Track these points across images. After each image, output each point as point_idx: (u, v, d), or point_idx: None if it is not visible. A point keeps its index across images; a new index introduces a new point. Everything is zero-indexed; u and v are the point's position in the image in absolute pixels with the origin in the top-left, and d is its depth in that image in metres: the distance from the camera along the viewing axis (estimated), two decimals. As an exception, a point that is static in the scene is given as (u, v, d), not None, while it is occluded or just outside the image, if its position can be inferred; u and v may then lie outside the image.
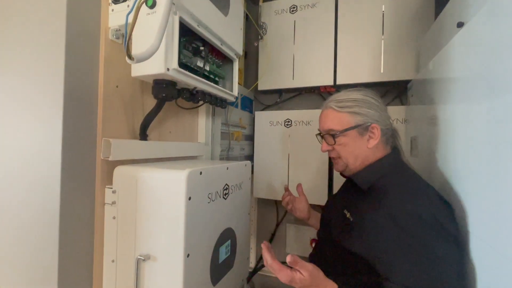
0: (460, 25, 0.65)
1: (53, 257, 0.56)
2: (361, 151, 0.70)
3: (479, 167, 0.51)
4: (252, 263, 1.48)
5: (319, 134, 0.78)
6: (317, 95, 1.37)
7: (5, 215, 0.62)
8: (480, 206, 0.51)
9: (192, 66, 0.73)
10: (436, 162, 0.75)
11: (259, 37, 1.36)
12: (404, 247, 0.55)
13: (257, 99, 1.50)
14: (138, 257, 0.59)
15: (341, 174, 0.79)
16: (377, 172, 0.68)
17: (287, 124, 1.32)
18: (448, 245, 0.54)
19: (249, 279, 1.45)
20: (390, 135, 0.73)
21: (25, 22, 0.61)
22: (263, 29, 1.36)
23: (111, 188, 0.64)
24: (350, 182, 0.76)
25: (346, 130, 0.69)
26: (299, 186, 0.95)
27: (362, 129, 0.69)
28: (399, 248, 0.55)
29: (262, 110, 1.47)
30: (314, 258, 0.79)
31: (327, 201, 0.91)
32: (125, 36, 0.46)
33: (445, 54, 0.71)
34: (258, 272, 1.45)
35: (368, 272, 0.59)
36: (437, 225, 0.54)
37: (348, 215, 0.68)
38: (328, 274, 0.59)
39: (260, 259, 1.47)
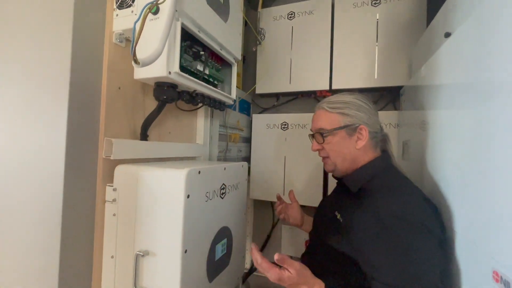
0: (447, 35, 0.69)
1: (55, 252, 0.58)
2: (349, 152, 0.72)
3: (465, 170, 0.55)
4: (248, 264, 1.49)
5: (311, 134, 0.81)
6: (313, 99, 1.40)
7: (9, 210, 0.64)
8: (465, 207, 0.54)
9: (192, 70, 0.76)
10: (426, 166, 0.78)
11: (258, 43, 1.40)
12: (389, 247, 0.57)
13: (255, 102, 1.53)
14: (137, 253, 0.61)
15: (333, 176, 0.82)
16: (367, 174, 0.70)
17: (284, 127, 1.35)
18: (432, 246, 0.56)
19: (244, 279, 1.47)
20: (380, 139, 0.76)
21: (34, 26, 0.63)
22: (262, 35, 1.40)
23: (112, 186, 0.66)
24: (342, 184, 0.79)
25: (335, 129, 0.73)
26: (291, 192, 0.97)
27: (351, 129, 0.72)
28: (384, 248, 0.57)
29: (260, 113, 1.50)
30: (305, 258, 0.81)
31: (320, 203, 0.94)
32: (132, 43, 0.49)
33: (433, 62, 0.74)
34: (254, 273, 1.47)
35: (356, 273, 0.61)
36: (422, 226, 0.56)
37: (338, 216, 0.70)
38: (318, 274, 0.61)
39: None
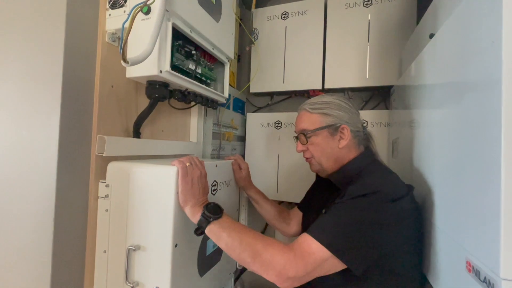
0: (431, 36, 0.71)
1: (48, 248, 0.59)
2: (333, 151, 0.74)
3: (444, 166, 0.57)
4: (242, 261, 1.51)
5: (295, 136, 0.83)
6: (306, 98, 1.41)
7: (2, 207, 0.65)
8: (444, 201, 0.57)
9: (184, 69, 0.78)
10: (414, 164, 0.80)
11: (251, 42, 1.41)
12: (345, 210, 0.58)
13: (249, 101, 1.55)
14: (129, 247, 0.63)
15: (319, 175, 0.84)
16: (352, 170, 0.72)
17: (277, 126, 1.37)
18: (389, 216, 0.57)
19: (238, 277, 1.48)
20: (363, 138, 0.78)
21: (26, 25, 0.65)
22: (255, 35, 1.41)
23: (105, 182, 0.68)
24: (325, 182, 0.81)
25: (317, 129, 0.75)
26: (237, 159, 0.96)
27: (333, 129, 0.74)
28: (339, 210, 0.59)
29: (254, 112, 1.52)
30: None
31: (304, 202, 0.96)
32: (121, 42, 0.51)
33: (418, 63, 0.77)
34: (248, 270, 1.49)
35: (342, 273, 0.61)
36: (386, 196, 0.58)
37: (324, 212, 0.72)
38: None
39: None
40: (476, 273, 0.40)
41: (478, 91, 0.43)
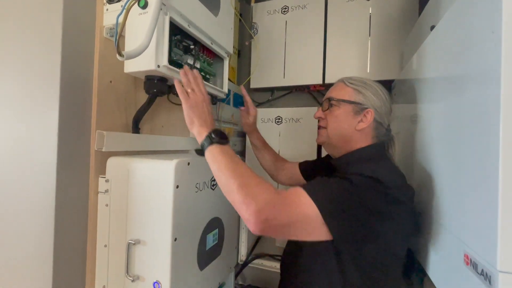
0: (432, 28, 0.70)
1: (49, 243, 0.60)
2: (348, 130, 0.71)
3: (444, 161, 0.56)
4: (244, 256, 1.52)
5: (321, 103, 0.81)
6: (307, 93, 1.41)
7: (3, 203, 0.65)
8: (443, 195, 0.56)
9: (182, 63, 0.77)
10: (414, 158, 0.80)
11: (251, 37, 1.40)
12: (343, 182, 0.56)
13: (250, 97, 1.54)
14: (129, 241, 0.63)
15: (326, 161, 0.83)
16: (358, 158, 0.69)
17: (278, 121, 1.36)
18: (382, 203, 0.55)
19: (240, 271, 1.50)
20: (383, 135, 0.73)
21: (24, 20, 0.65)
22: (255, 29, 1.40)
23: (104, 177, 0.68)
24: (325, 165, 0.80)
25: (344, 100, 0.72)
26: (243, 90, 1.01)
27: (358, 108, 0.70)
28: (337, 181, 0.57)
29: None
30: (291, 245, 0.81)
31: (307, 166, 0.97)
32: (115, 35, 0.50)
33: (418, 56, 0.76)
34: (249, 265, 1.50)
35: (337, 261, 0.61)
36: (386, 189, 0.55)
37: None
38: (300, 263, 0.63)
39: (251, 252, 1.51)
40: (474, 266, 0.40)
41: (477, 83, 0.42)
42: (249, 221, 0.51)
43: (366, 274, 0.60)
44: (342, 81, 0.76)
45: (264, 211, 0.50)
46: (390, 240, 0.58)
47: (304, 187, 0.56)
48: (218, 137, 0.61)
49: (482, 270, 0.38)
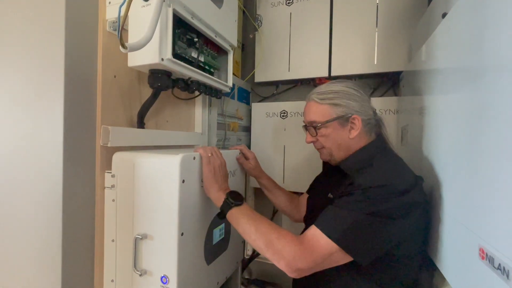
0: (444, 15, 0.67)
1: (57, 238, 0.60)
2: (343, 141, 0.73)
3: (457, 153, 0.54)
4: (250, 251, 1.52)
5: (304, 126, 0.81)
6: (312, 87, 1.39)
7: (11, 199, 0.66)
8: (456, 189, 0.55)
9: (186, 57, 0.76)
10: (424, 151, 0.78)
11: (255, 30, 1.38)
12: (353, 203, 0.58)
13: (254, 91, 1.52)
14: (136, 236, 0.63)
15: (327, 163, 0.82)
16: (362, 158, 0.71)
17: (283, 116, 1.35)
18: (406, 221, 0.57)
19: (246, 265, 1.50)
20: (374, 125, 0.75)
21: (27, 16, 0.64)
22: (259, 21, 1.38)
23: (110, 172, 0.68)
24: (333, 168, 0.79)
25: (327, 121, 0.72)
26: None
27: (343, 120, 0.72)
28: (348, 203, 0.59)
29: (259, 101, 1.50)
30: None
31: (311, 186, 0.95)
32: (118, 26, 0.49)
33: (429, 46, 0.73)
34: (255, 259, 1.50)
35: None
36: (399, 192, 0.58)
37: (331, 196, 0.71)
38: None
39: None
40: (490, 260, 0.39)
41: (493, 74, 0.40)
42: (286, 272, 0.58)
43: (380, 271, 0.62)
44: (313, 100, 0.75)
45: (293, 264, 0.56)
46: (410, 240, 0.60)
47: (318, 225, 0.59)
48: (234, 199, 0.66)
49: (499, 265, 0.36)
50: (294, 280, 0.82)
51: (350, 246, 0.56)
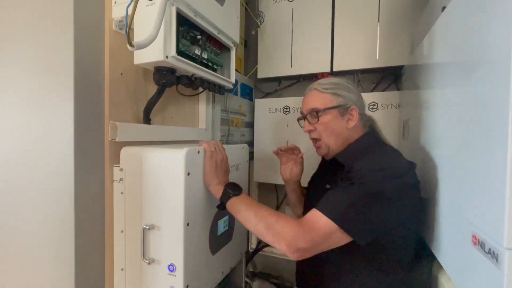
0: (444, 9, 0.68)
1: (70, 230, 0.63)
2: (342, 131, 0.75)
3: (455, 145, 0.56)
4: (254, 244, 1.56)
5: (301, 117, 0.83)
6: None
7: (25, 192, 0.69)
8: (451, 179, 0.56)
9: (190, 54, 0.78)
10: (423, 142, 0.79)
11: (257, 26, 1.39)
12: (351, 186, 0.60)
13: (257, 88, 1.54)
14: (144, 227, 0.66)
15: (326, 159, 0.84)
16: (358, 148, 0.73)
17: (286, 111, 1.36)
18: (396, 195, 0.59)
19: (250, 258, 1.53)
20: (367, 120, 0.79)
21: (37, 17, 0.67)
22: (261, 18, 1.39)
23: (119, 166, 0.71)
24: (332, 162, 0.81)
25: (329, 108, 0.75)
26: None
27: (343, 109, 0.75)
28: (346, 186, 0.61)
29: (262, 97, 1.51)
30: None
31: (310, 182, 0.96)
32: (125, 26, 0.52)
33: (429, 40, 0.74)
34: (259, 252, 1.53)
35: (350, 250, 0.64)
36: (395, 175, 0.60)
37: (329, 186, 0.73)
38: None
39: (261, 240, 1.54)
40: (482, 245, 0.40)
41: (488, 68, 0.41)
42: (287, 253, 0.58)
43: (378, 253, 0.64)
44: (315, 89, 0.79)
45: (293, 244, 0.57)
46: (406, 222, 0.62)
47: (318, 207, 0.61)
48: (233, 190, 0.69)
49: (490, 249, 0.38)
50: (297, 269, 0.85)
51: (348, 226, 0.57)
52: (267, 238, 0.61)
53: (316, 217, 0.59)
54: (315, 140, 0.81)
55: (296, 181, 0.95)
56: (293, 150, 0.93)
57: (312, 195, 0.86)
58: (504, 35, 0.37)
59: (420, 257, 0.70)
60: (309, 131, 0.80)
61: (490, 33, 0.41)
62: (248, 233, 1.46)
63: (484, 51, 0.43)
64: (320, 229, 0.58)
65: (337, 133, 0.75)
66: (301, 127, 0.85)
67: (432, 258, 0.68)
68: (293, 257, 0.59)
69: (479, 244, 0.41)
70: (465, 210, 0.48)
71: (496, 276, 0.36)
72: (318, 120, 0.76)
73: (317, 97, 0.77)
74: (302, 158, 0.93)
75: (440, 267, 0.61)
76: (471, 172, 0.46)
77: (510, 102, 0.35)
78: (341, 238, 0.59)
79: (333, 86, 0.76)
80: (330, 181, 0.75)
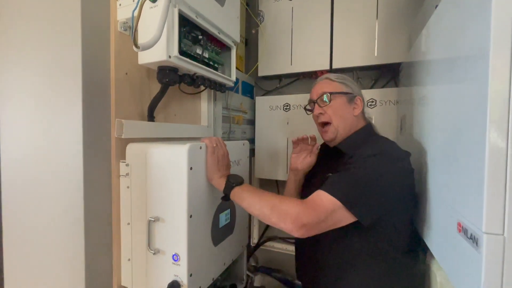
0: (437, 7, 0.70)
1: (80, 223, 0.66)
2: (349, 117, 0.82)
3: (445, 139, 0.58)
4: (255, 239, 1.59)
5: (311, 101, 0.88)
6: (314, 79, 1.41)
7: (37, 186, 0.73)
8: (440, 170, 0.59)
9: (192, 54, 0.81)
10: (417, 137, 0.81)
11: (257, 25, 1.42)
12: (355, 168, 0.65)
13: (258, 85, 1.57)
14: (149, 219, 0.70)
15: (325, 146, 0.87)
16: (360, 137, 0.79)
17: (286, 108, 1.39)
18: (396, 173, 0.64)
19: (252, 252, 1.57)
20: (367, 115, 0.87)
21: (46, 19, 0.70)
22: (261, 17, 1.41)
23: (125, 162, 0.74)
24: (330, 151, 0.86)
25: (340, 92, 0.82)
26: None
27: (351, 97, 0.83)
28: (349, 169, 0.65)
29: (263, 95, 1.54)
30: None
31: (309, 173, 0.98)
32: (131, 28, 0.55)
33: (423, 37, 0.76)
34: (261, 247, 1.57)
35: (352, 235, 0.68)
36: (395, 159, 0.66)
37: (330, 174, 0.76)
38: (315, 241, 0.68)
39: (262, 234, 1.58)
40: (465, 231, 0.43)
41: (468, 64, 0.44)
42: (292, 231, 0.60)
43: (377, 235, 0.68)
44: (327, 77, 0.86)
45: (298, 221, 0.59)
46: (404, 204, 0.67)
47: (322, 188, 0.64)
48: (235, 180, 0.71)
49: (471, 234, 0.40)
50: (297, 263, 0.88)
51: (351, 204, 0.60)
52: (272, 220, 0.63)
53: (320, 195, 0.63)
54: (322, 125, 0.85)
55: (304, 171, 0.97)
56: (311, 140, 0.96)
57: (311, 185, 0.89)
58: (482, 32, 0.39)
59: (415, 246, 0.73)
60: (319, 115, 0.84)
61: (472, 30, 0.43)
62: (249, 227, 1.49)
63: (467, 48, 0.45)
64: (324, 206, 0.60)
65: (345, 117, 0.81)
66: (308, 114, 0.91)
67: (424, 248, 0.71)
68: (299, 234, 0.60)
69: (463, 231, 0.44)
70: (452, 199, 0.50)
71: (476, 260, 0.39)
72: (329, 103, 0.81)
73: (328, 84, 0.84)
74: (318, 148, 0.96)
75: (432, 255, 0.63)
76: (457, 163, 0.49)
77: (488, 99, 0.37)
78: (344, 217, 0.61)
79: (342, 78, 0.85)
80: (331, 169, 0.78)
